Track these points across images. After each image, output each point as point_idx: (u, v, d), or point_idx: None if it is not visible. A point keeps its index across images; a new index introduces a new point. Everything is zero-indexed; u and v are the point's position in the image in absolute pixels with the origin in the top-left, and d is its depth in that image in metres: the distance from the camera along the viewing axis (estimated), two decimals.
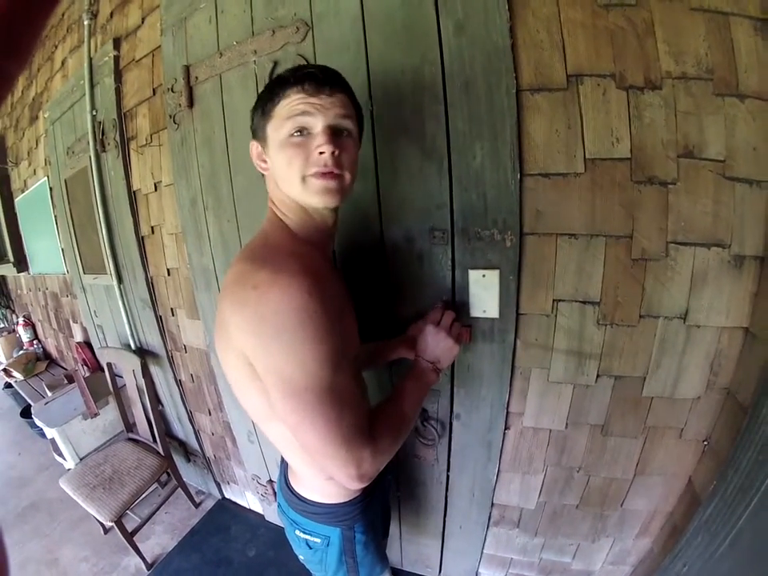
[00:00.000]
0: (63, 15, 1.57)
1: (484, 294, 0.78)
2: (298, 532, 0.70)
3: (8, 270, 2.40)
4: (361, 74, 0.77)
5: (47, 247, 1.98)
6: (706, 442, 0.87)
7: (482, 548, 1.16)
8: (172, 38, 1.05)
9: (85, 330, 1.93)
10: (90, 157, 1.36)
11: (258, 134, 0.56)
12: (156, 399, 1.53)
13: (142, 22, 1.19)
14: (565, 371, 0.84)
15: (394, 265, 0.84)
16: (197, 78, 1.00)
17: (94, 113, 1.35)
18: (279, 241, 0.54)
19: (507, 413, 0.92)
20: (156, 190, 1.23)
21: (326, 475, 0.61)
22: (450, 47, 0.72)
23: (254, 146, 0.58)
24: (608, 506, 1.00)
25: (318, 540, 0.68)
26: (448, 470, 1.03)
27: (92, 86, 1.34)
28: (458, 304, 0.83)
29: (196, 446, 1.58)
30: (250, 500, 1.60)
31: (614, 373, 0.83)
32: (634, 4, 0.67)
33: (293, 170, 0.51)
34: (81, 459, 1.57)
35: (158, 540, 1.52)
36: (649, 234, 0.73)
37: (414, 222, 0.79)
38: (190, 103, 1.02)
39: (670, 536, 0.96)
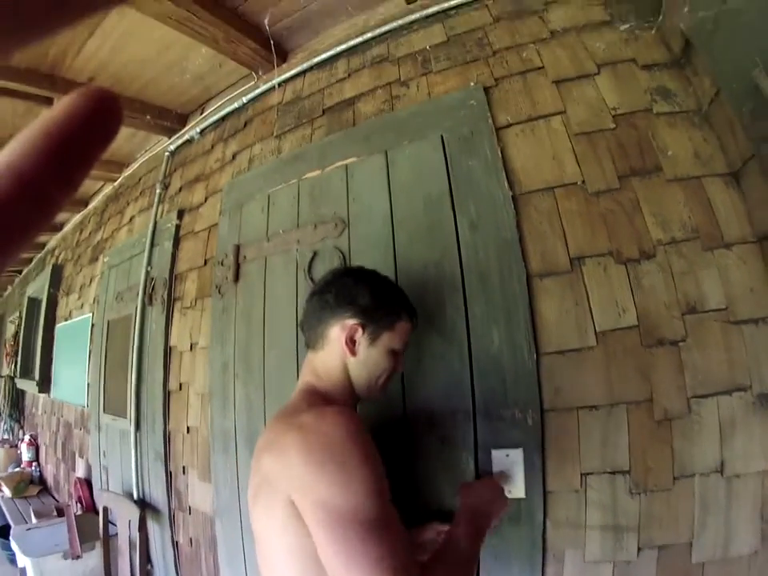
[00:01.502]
0: (140, 180, 1.83)
1: (509, 473, 0.73)
2: None
3: (30, 387, 2.33)
4: (389, 266, 0.87)
5: (74, 377, 1.94)
6: None
7: None
8: (228, 218, 1.19)
9: (89, 468, 1.75)
10: (137, 307, 1.43)
11: (370, 323, 0.57)
12: (147, 558, 1.28)
13: (205, 201, 1.38)
14: (602, 549, 0.73)
15: (416, 446, 0.81)
16: (245, 256, 1.11)
17: (149, 269, 1.46)
18: (315, 401, 0.55)
19: None
20: (191, 349, 1.26)
21: None
22: (467, 243, 0.83)
23: (353, 328, 0.57)
24: None
25: None
26: None
27: (152, 246, 1.48)
28: None
29: None
30: None
31: (656, 543, 0.72)
32: (619, 188, 0.79)
33: (379, 370, 0.59)
34: None
35: None
36: (668, 393, 0.72)
37: (436, 404, 0.80)
38: (236, 278, 1.11)
39: None
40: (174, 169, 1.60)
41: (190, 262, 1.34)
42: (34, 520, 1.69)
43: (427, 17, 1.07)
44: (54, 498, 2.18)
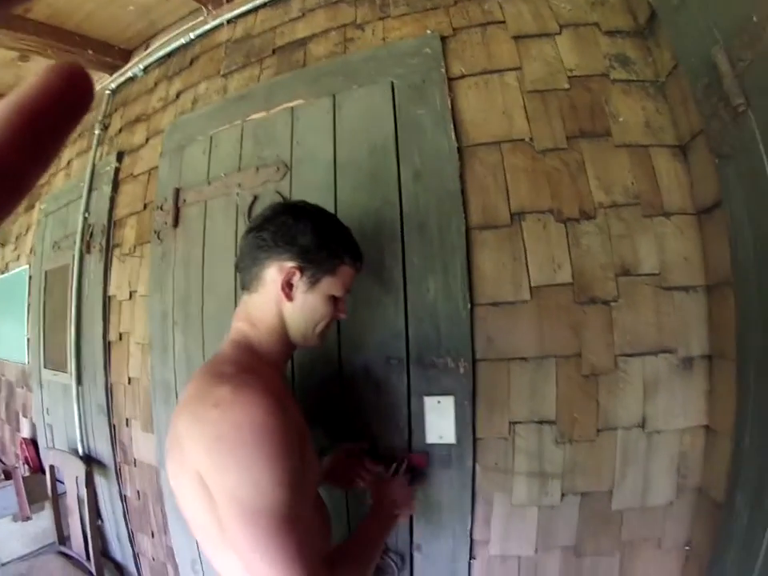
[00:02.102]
0: None
1: (440, 419, 0.76)
2: None
3: None
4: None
5: (13, 334, 1.83)
6: (687, 548, 0.79)
7: None
8: (169, 161, 1.13)
9: (33, 427, 1.70)
10: (74, 255, 1.35)
11: (310, 266, 0.53)
12: (96, 513, 1.29)
13: (146, 142, 1.29)
14: (528, 494, 0.79)
15: (351, 392, 0.82)
16: (185, 200, 1.06)
17: (87, 215, 1.37)
18: (242, 358, 0.52)
19: (471, 541, 0.82)
20: (131, 298, 1.21)
21: None
22: (408, 192, 0.81)
23: (291, 271, 0.53)
24: None
25: None
26: None
27: (90, 191, 1.39)
28: (413, 430, 0.79)
29: (134, 570, 1.31)
30: None
31: (579, 490, 0.78)
32: (566, 147, 0.79)
33: (316, 317, 0.56)
34: (2, 564, 1.28)
35: None
36: (597, 350, 0.75)
37: (371, 350, 0.80)
38: (176, 223, 1.06)
39: None
40: (114, 108, 1.48)
41: (129, 206, 1.27)
42: None
43: None
44: (0, 461, 2.15)
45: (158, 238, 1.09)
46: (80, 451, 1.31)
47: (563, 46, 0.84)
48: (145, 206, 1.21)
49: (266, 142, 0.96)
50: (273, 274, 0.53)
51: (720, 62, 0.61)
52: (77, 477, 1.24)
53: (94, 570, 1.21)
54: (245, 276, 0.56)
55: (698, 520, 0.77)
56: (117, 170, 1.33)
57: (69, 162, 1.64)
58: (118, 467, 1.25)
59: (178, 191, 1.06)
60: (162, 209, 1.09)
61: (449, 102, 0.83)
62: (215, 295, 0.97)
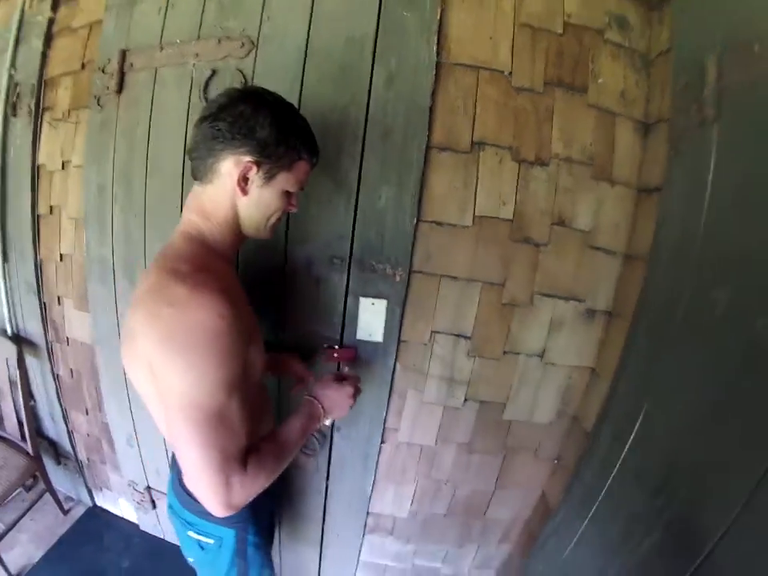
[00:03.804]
0: None
1: (371, 319, 0.87)
2: (191, 533, 0.68)
3: None
4: (292, 101, 0.80)
5: None
6: (556, 461, 1.05)
7: (359, 555, 1.21)
8: (116, 16, 1.00)
9: None
10: None
11: (267, 161, 0.54)
12: (29, 394, 1.35)
13: None
14: (437, 394, 0.96)
15: (292, 284, 0.89)
16: (132, 64, 0.97)
17: (13, 72, 1.20)
18: (197, 254, 0.54)
19: (384, 428, 1.00)
20: (63, 168, 1.13)
21: None
22: (378, 96, 0.81)
23: (248, 166, 0.54)
24: (473, 516, 1.12)
25: (211, 541, 0.67)
26: (327, 479, 1.08)
27: (17, 43, 1.20)
28: (346, 326, 0.90)
29: (68, 447, 1.42)
30: (123, 508, 1.48)
31: (479, 398, 0.97)
32: (541, 92, 0.83)
33: (269, 211, 0.59)
34: None
35: (23, 550, 1.34)
36: (519, 284, 0.88)
37: (316, 247, 0.86)
38: (119, 89, 0.98)
39: (528, 541, 1.11)
40: None
41: (64, 64, 1.12)
42: None
43: None
44: None
45: (98, 103, 1.01)
46: (9, 331, 1.30)
47: None
48: (83, 66, 1.08)
49: (232, 11, 0.87)
50: (229, 166, 0.53)
51: (709, 69, 0.67)
52: (7, 358, 1.25)
53: (30, 450, 1.28)
54: (198, 166, 0.56)
55: (569, 441, 1.00)
56: (51, 21, 1.14)
57: None
58: (49, 346, 1.27)
59: (124, 53, 0.96)
60: (104, 71, 0.99)
61: (438, 11, 0.81)
62: (161, 172, 0.94)
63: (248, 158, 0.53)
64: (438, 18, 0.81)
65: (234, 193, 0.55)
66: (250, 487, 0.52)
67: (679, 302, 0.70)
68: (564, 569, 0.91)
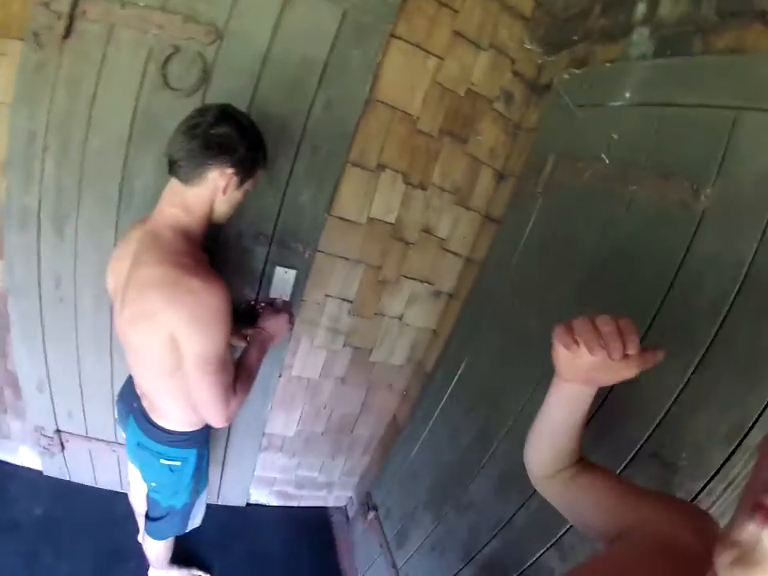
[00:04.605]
0: None
1: (283, 284, 1.18)
2: (162, 461, 0.87)
3: None
4: (244, 100, 0.99)
5: None
6: (405, 393, 1.56)
7: (253, 471, 1.53)
8: None
9: None
10: None
11: (242, 172, 0.75)
12: None
13: None
14: (324, 340, 1.35)
15: (224, 252, 1.11)
16: (85, 12, 0.91)
17: None
18: (188, 246, 0.73)
19: (282, 365, 1.34)
20: None
21: (191, 412, 0.84)
22: (316, 116, 1.02)
23: (230, 177, 0.74)
24: (343, 434, 1.57)
25: (178, 463, 0.88)
26: None
27: None
28: (262, 287, 1.19)
29: None
30: (24, 456, 1.41)
31: (353, 345, 1.39)
32: (435, 137, 1.13)
33: (236, 205, 0.82)
34: None
35: None
36: (390, 268, 1.30)
37: (247, 224, 1.09)
38: (67, 34, 0.91)
39: (383, 453, 1.60)
40: None
41: None
42: None
43: None
44: None
45: (37, 42, 0.91)
46: None
47: (480, 62, 1.10)
48: None
49: None
50: (214, 176, 0.72)
51: (548, 163, 1.00)
52: None
53: None
54: (185, 170, 0.72)
55: (414, 379, 1.51)
56: None
57: None
58: None
59: None
60: (48, 7, 0.89)
61: (380, 56, 1.02)
62: (104, 133, 0.96)
63: (230, 171, 0.73)
64: (377, 64, 1.02)
65: (214, 194, 0.75)
66: (237, 404, 0.80)
67: (493, 296, 1.14)
68: (410, 467, 1.35)
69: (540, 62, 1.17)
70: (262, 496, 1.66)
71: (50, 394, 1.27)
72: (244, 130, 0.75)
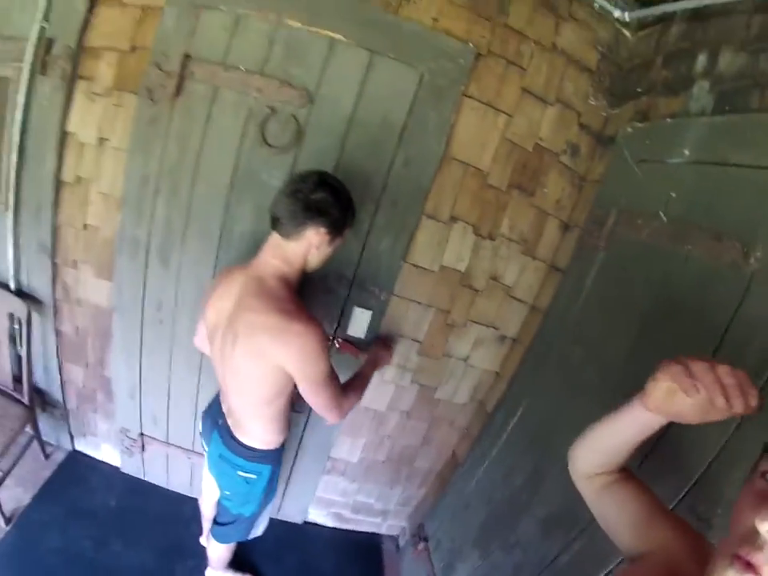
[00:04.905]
0: None
1: (359, 323, 1.29)
2: (240, 473, 1.01)
3: None
4: (332, 158, 1.13)
5: None
6: (466, 430, 1.57)
7: (315, 491, 1.65)
8: (177, 15, 1.07)
9: None
10: (22, 70, 1.23)
11: (334, 232, 0.88)
12: (29, 346, 1.42)
13: None
14: (393, 376, 1.42)
15: (308, 291, 1.23)
16: (193, 73, 1.08)
17: (45, 25, 1.21)
18: (289, 293, 0.87)
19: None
20: (100, 144, 1.23)
21: (272, 433, 1.01)
22: (396, 172, 1.12)
23: (324, 234, 0.86)
24: (403, 464, 1.62)
25: (254, 476, 1.02)
26: (303, 431, 1.49)
27: None
28: (341, 324, 1.31)
29: (58, 396, 1.58)
30: (105, 452, 1.70)
31: (420, 382, 1.44)
32: (504, 190, 1.20)
33: (325, 256, 0.94)
34: None
35: (11, 493, 1.44)
36: (459, 312, 1.34)
37: (331, 268, 1.21)
38: (177, 92, 1.10)
39: (439, 487, 1.63)
40: None
41: (109, 38, 1.19)
42: None
43: None
44: None
45: (151, 98, 1.10)
46: (11, 286, 1.40)
47: (548, 116, 1.15)
48: (133, 49, 1.16)
49: (296, 61, 1.05)
50: (311, 234, 0.84)
51: (610, 216, 1.01)
52: (11, 313, 1.37)
53: (26, 399, 1.43)
54: (286, 227, 0.84)
55: (476, 418, 1.52)
56: None
57: None
58: (56, 304, 1.42)
59: (186, 58, 1.07)
60: (160, 68, 1.08)
61: (453, 116, 1.10)
62: (208, 182, 1.14)
63: (324, 230, 0.85)
64: (452, 120, 1.10)
65: (309, 249, 0.88)
66: (350, 405, 0.98)
67: (555, 344, 1.19)
68: (464, 503, 1.40)
69: (605, 114, 1.19)
70: (319, 516, 1.76)
71: (140, 401, 1.48)
72: (338, 196, 0.87)
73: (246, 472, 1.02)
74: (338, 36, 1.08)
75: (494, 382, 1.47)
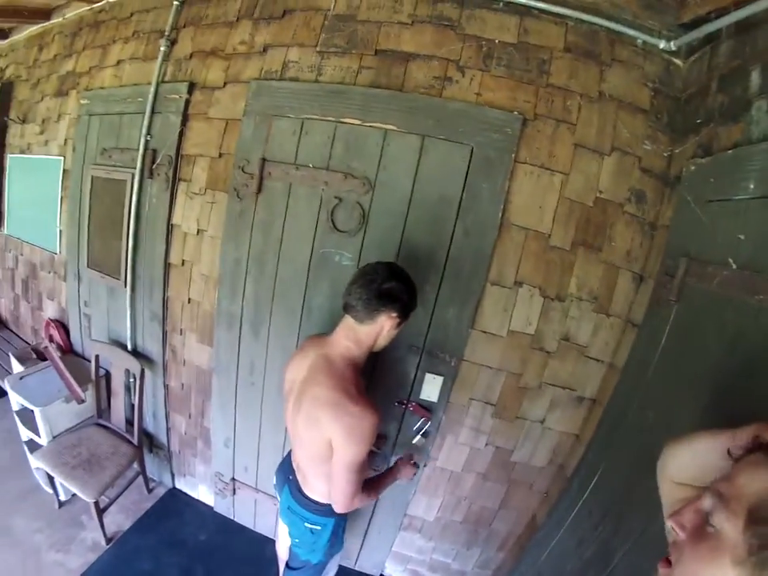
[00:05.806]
0: (131, 16, 1.68)
1: (431, 387, 1.33)
2: (306, 524, 1.11)
3: None
4: (395, 238, 1.23)
5: (37, 219, 2.12)
6: (545, 494, 1.50)
7: (391, 546, 1.69)
8: (254, 124, 1.31)
9: (62, 311, 2.08)
10: (134, 176, 1.59)
11: (402, 317, 0.96)
12: (140, 397, 1.76)
13: (224, 86, 1.40)
14: (467, 438, 1.42)
15: (382, 361, 1.33)
16: (270, 173, 1.31)
17: (149, 138, 1.55)
18: (354, 375, 0.96)
19: (429, 457, 1.46)
20: (198, 234, 1.52)
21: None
22: (457, 243, 1.20)
23: (395, 318, 0.95)
24: (481, 526, 1.59)
25: (318, 527, 1.11)
26: None
27: (153, 112, 1.53)
28: (414, 390, 1.36)
29: (163, 440, 1.89)
30: (201, 492, 1.94)
31: (495, 444, 1.42)
32: (568, 250, 1.19)
33: (392, 337, 1.02)
34: (54, 437, 1.75)
35: (114, 518, 1.77)
36: (532, 375, 1.31)
37: (401, 339, 1.27)
38: (259, 190, 1.33)
39: (518, 551, 1.57)
40: (183, 24, 1.51)
41: (200, 147, 1.46)
42: (14, 362, 2.06)
43: (509, 2, 1.13)
44: (10, 331, 2.56)
45: (238, 195, 1.35)
46: (129, 346, 1.76)
47: (606, 167, 1.12)
48: (220, 155, 1.42)
49: (356, 154, 1.21)
50: (383, 319, 0.93)
51: (680, 266, 0.96)
52: (127, 369, 1.71)
53: (135, 440, 1.74)
54: (360, 312, 0.93)
55: (555, 481, 1.44)
56: (187, 102, 1.46)
57: (119, 63, 1.71)
58: (165, 364, 1.72)
59: (264, 162, 1.30)
60: (243, 170, 1.33)
61: (507, 185, 1.14)
62: (290, 264, 1.33)
63: (394, 314, 0.95)
64: (506, 188, 1.14)
65: (379, 332, 0.97)
66: (359, 502, 1.02)
67: (630, 406, 1.11)
68: (539, 569, 1.38)
69: (667, 153, 1.13)
70: (396, 571, 1.79)
71: (233, 450, 1.70)
72: (407, 284, 0.96)
73: (312, 523, 1.12)
74: (389, 126, 1.21)
75: (574, 445, 1.40)
